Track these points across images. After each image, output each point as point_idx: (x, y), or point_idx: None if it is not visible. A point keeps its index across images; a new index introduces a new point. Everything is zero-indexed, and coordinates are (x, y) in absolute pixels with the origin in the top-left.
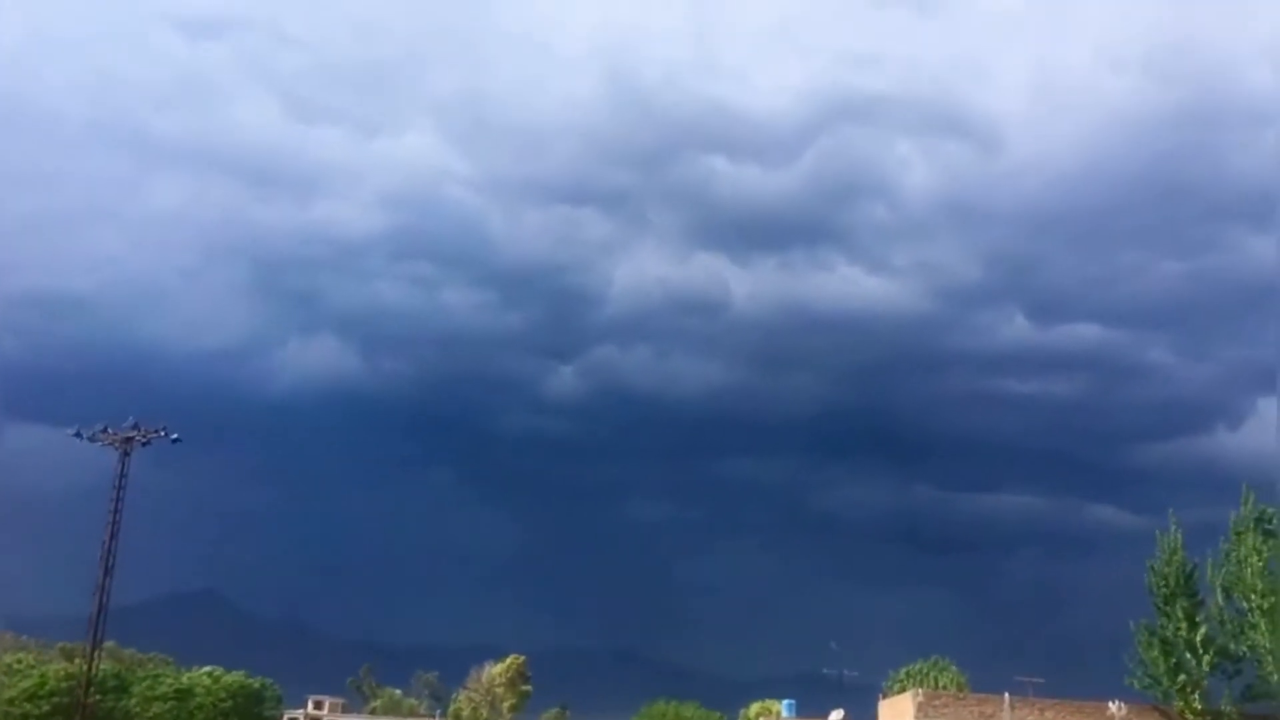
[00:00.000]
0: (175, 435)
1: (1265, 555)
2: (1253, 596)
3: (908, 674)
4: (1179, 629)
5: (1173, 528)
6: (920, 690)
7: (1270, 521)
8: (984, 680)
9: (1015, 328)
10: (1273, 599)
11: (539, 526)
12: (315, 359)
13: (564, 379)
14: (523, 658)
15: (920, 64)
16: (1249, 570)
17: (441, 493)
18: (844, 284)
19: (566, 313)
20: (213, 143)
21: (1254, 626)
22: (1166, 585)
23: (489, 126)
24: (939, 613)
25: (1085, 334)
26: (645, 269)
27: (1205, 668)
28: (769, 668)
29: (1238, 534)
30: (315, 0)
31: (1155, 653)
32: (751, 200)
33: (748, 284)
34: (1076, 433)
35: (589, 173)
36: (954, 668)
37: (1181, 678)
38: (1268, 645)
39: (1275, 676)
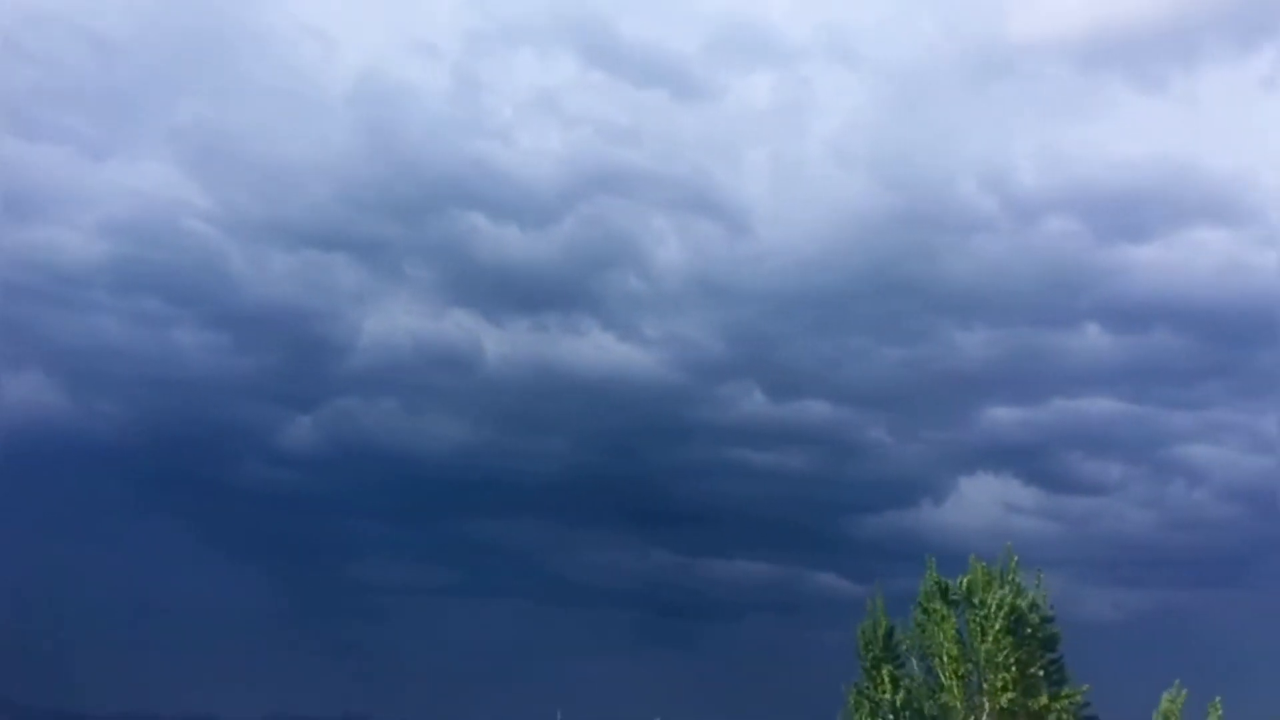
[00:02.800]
0: None
1: (953, 622)
2: (945, 660)
3: None
4: (883, 691)
5: (877, 595)
6: None
7: (951, 592)
8: None
9: (754, 402)
10: (964, 665)
11: (267, 585)
12: (16, 396)
13: (302, 430)
14: None
15: (676, 144)
16: (941, 635)
17: (161, 547)
18: (596, 350)
19: (309, 361)
20: None
21: (946, 688)
22: (872, 649)
23: (236, 160)
24: (674, 677)
25: (816, 411)
26: (397, 321)
27: None
28: None
29: (927, 602)
30: (56, 17)
31: (864, 713)
32: (509, 260)
33: (501, 344)
34: (805, 503)
35: (342, 218)
36: None
37: None
38: (958, 706)
39: None
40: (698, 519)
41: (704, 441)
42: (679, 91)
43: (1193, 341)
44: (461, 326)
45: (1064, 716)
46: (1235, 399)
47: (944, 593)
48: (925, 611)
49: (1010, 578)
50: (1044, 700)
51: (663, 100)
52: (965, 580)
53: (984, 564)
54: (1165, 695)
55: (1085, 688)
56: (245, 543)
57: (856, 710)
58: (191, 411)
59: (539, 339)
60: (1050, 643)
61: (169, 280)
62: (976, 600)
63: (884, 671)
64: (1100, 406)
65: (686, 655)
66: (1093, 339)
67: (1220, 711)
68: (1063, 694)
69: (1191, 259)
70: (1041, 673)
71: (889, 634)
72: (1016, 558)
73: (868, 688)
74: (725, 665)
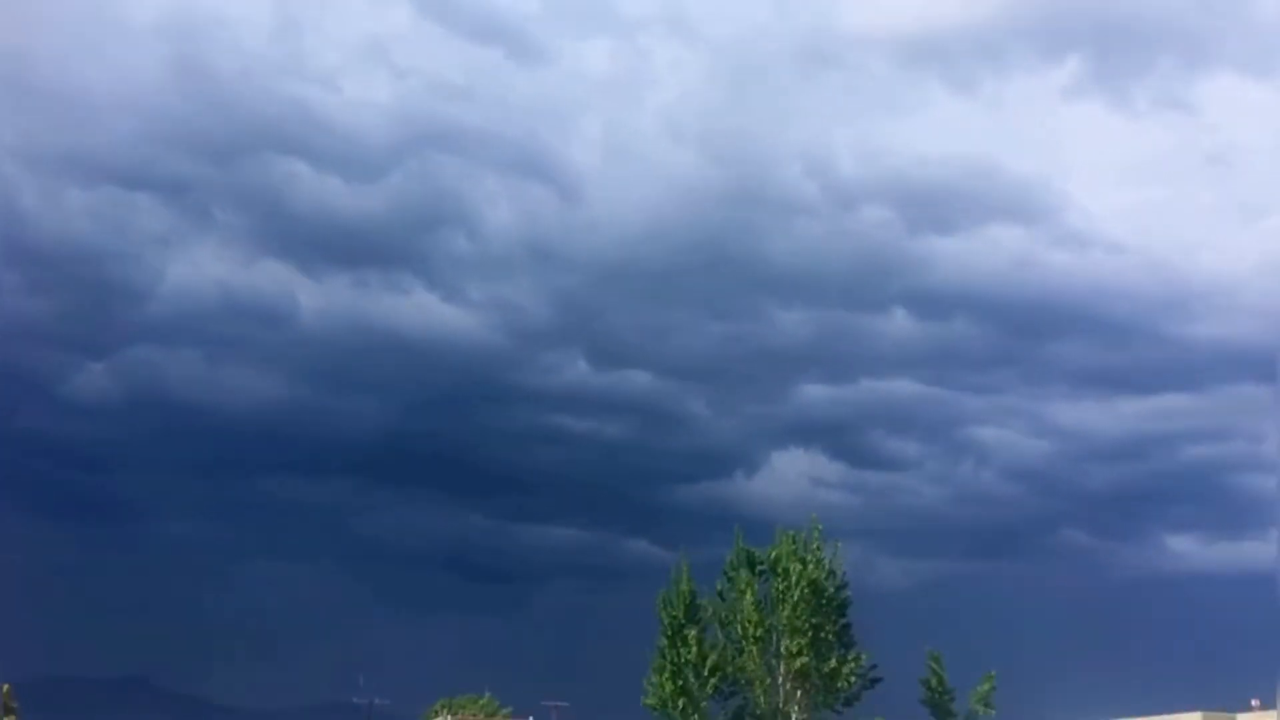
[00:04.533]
0: None
1: (756, 590)
2: (746, 626)
3: (443, 704)
4: (687, 655)
5: (682, 562)
6: (451, 718)
7: (757, 560)
8: (522, 705)
9: (577, 369)
10: (762, 629)
11: (45, 540)
12: None
13: (93, 378)
14: (7, 686)
15: (511, 106)
16: (743, 603)
17: None
18: (418, 310)
19: (105, 305)
20: None
21: (746, 653)
22: (676, 615)
23: (30, 89)
24: (484, 641)
25: (638, 381)
26: (203, 268)
27: (708, 690)
28: (296, 697)
29: (732, 570)
30: None
31: (665, 676)
32: (330, 212)
33: (318, 298)
34: (622, 471)
35: (146, 156)
36: (488, 695)
37: (683, 700)
38: (757, 671)
39: (763, 700)
40: (514, 484)
41: (524, 407)
42: (515, 52)
43: (988, 330)
44: (275, 278)
45: (852, 679)
46: (1022, 386)
47: (750, 561)
48: (730, 579)
49: (814, 548)
50: (834, 664)
51: (498, 59)
52: (772, 550)
53: (791, 534)
54: (928, 654)
55: (868, 654)
56: (24, 496)
57: (658, 673)
58: None
59: (358, 295)
60: (842, 609)
61: None
62: (780, 569)
63: (687, 635)
64: (903, 388)
65: (496, 618)
66: (899, 323)
67: (993, 682)
68: (850, 657)
69: (990, 253)
70: (833, 638)
71: (692, 599)
72: (821, 528)
73: (671, 652)
74: (535, 628)
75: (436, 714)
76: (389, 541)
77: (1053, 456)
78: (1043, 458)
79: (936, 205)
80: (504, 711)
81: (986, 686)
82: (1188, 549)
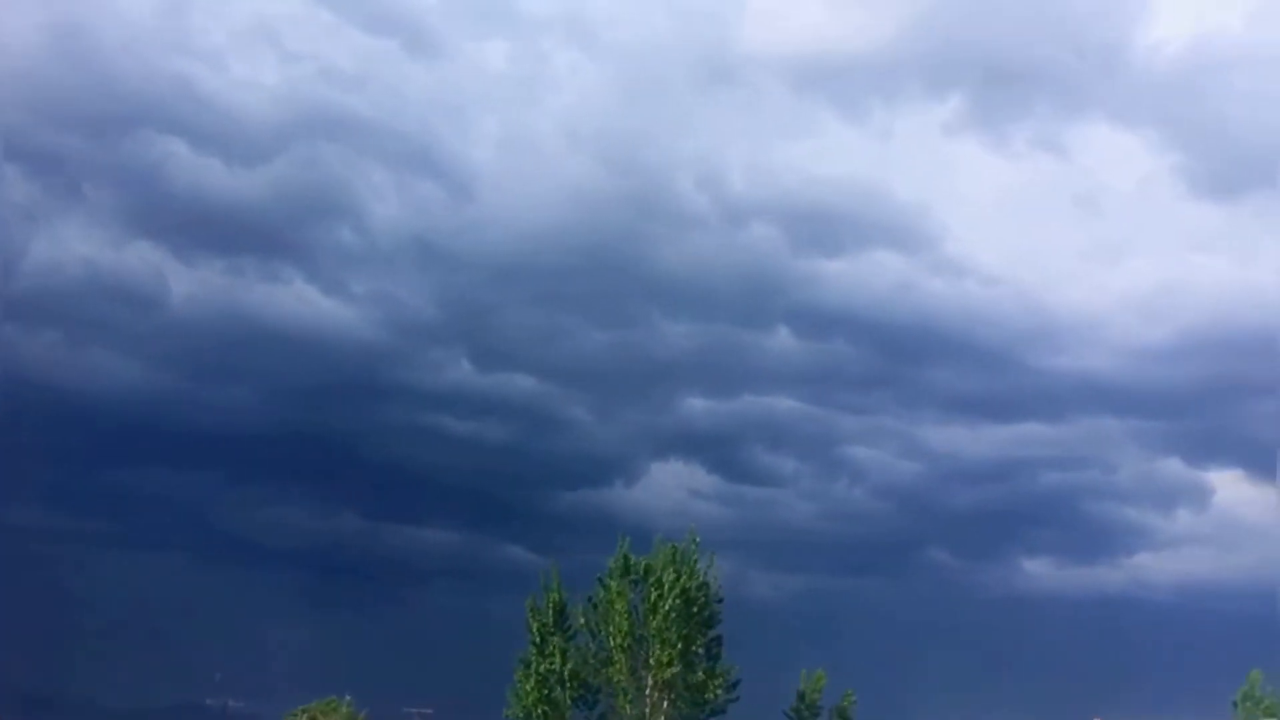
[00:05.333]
0: None
1: (628, 597)
2: (616, 635)
3: (304, 710)
4: (552, 663)
5: (552, 568)
6: None
7: (633, 570)
8: (386, 711)
9: (460, 369)
10: (631, 639)
11: None
12: None
13: None
14: None
15: (404, 99)
16: (615, 611)
17: None
18: (297, 301)
19: None
20: None
21: (613, 663)
22: (545, 621)
23: None
24: (350, 644)
25: (521, 384)
26: (70, 246)
27: (569, 698)
28: (150, 696)
29: (609, 578)
30: None
31: (530, 684)
32: (208, 195)
33: (190, 283)
34: (500, 475)
35: (12, 124)
36: (349, 700)
37: (545, 709)
38: (623, 680)
39: (627, 709)
40: (389, 483)
41: (404, 405)
42: (412, 44)
43: (866, 352)
44: (145, 260)
45: (718, 690)
46: (895, 408)
47: (627, 570)
48: (605, 587)
49: (690, 559)
50: (701, 676)
51: (394, 50)
52: (645, 562)
53: (670, 545)
54: (804, 673)
55: (735, 667)
56: None
57: (523, 681)
58: None
59: (233, 282)
60: (712, 621)
61: None
62: (654, 579)
63: (552, 642)
64: (783, 405)
65: (364, 620)
66: (783, 341)
67: (853, 698)
68: (717, 669)
69: (872, 277)
70: (702, 650)
71: (561, 607)
72: (698, 539)
73: (536, 659)
74: (405, 633)
75: (295, 718)
76: (255, 538)
77: (921, 477)
78: (912, 478)
79: (823, 227)
80: (361, 716)
81: (846, 703)
82: (1042, 571)
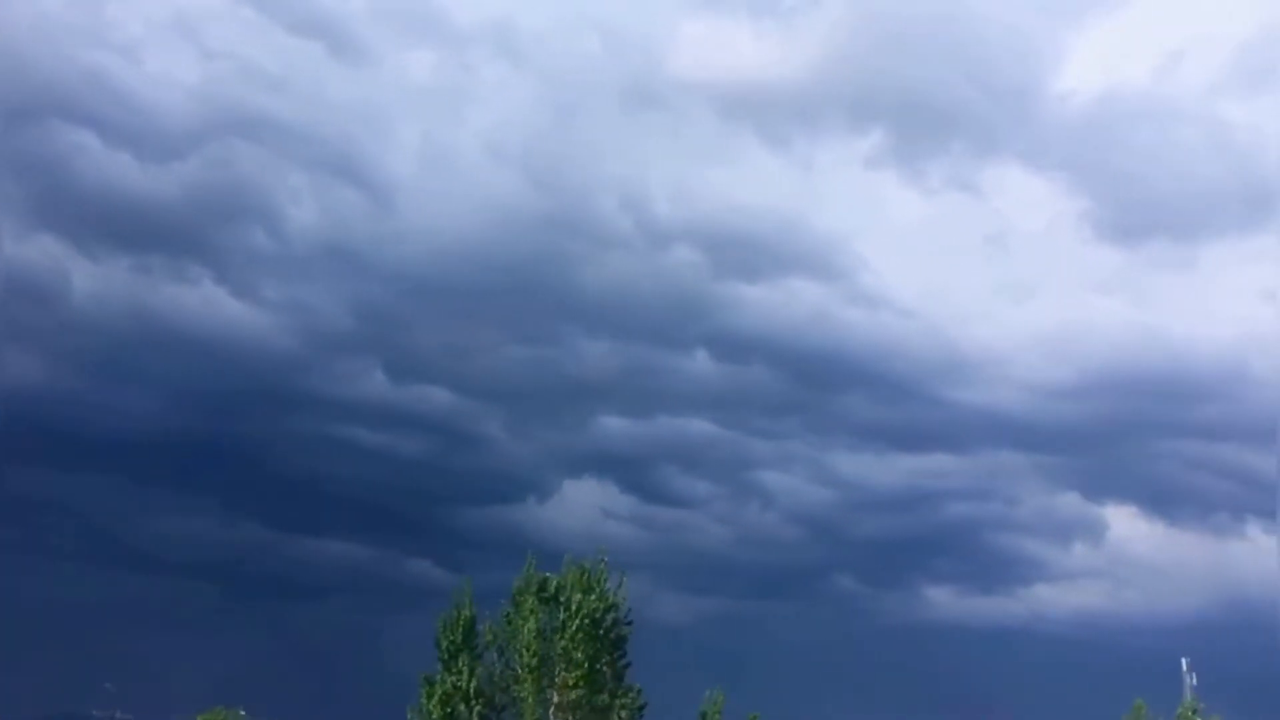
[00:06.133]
0: None
1: (539, 616)
2: (524, 654)
3: None
4: (459, 681)
5: (466, 585)
6: None
7: (543, 589)
8: None
9: (373, 381)
10: (538, 659)
11: None
12: None
13: None
14: None
15: (326, 104)
16: (525, 630)
17: None
18: (205, 303)
19: None
20: None
21: (521, 681)
22: (454, 639)
23: None
24: (247, 657)
25: (436, 398)
26: None
27: (475, 717)
28: (28, 707)
29: (520, 596)
30: None
31: (434, 703)
32: (117, 191)
33: (94, 280)
34: (411, 489)
35: None
36: (243, 715)
37: None
38: (529, 698)
39: None
40: (295, 494)
41: (314, 415)
42: (336, 49)
43: (782, 379)
44: (48, 253)
45: (623, 713)
46: (808, 435)
47: (538, 588)
48: (517, 605)
49: (600, 579)
50: (606, 698)
51: (317, 53)
52: (555, 580)
53: (580, 564)
54: (706, 694)
55: (639, 688)
56: None
57: (427, 699)
58: None
59: (139, 281)
60: (620, 642)
61: None
62: (564, 599)
63: (460, 660)
64: (698, 427)
65: (264, 634)
66: (700, 364)
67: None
68: (622, 691)
69: (790, 304)
70: (609, 670)
71: (471, 625)
72: (606, 559)
73: (442, 677)
74: (307, 647)
75: None
76: (153, 546)
77: (831, 504)
78: (822, 505)
79: (744, 253)
80: None
81: None
82: (944, 600)
